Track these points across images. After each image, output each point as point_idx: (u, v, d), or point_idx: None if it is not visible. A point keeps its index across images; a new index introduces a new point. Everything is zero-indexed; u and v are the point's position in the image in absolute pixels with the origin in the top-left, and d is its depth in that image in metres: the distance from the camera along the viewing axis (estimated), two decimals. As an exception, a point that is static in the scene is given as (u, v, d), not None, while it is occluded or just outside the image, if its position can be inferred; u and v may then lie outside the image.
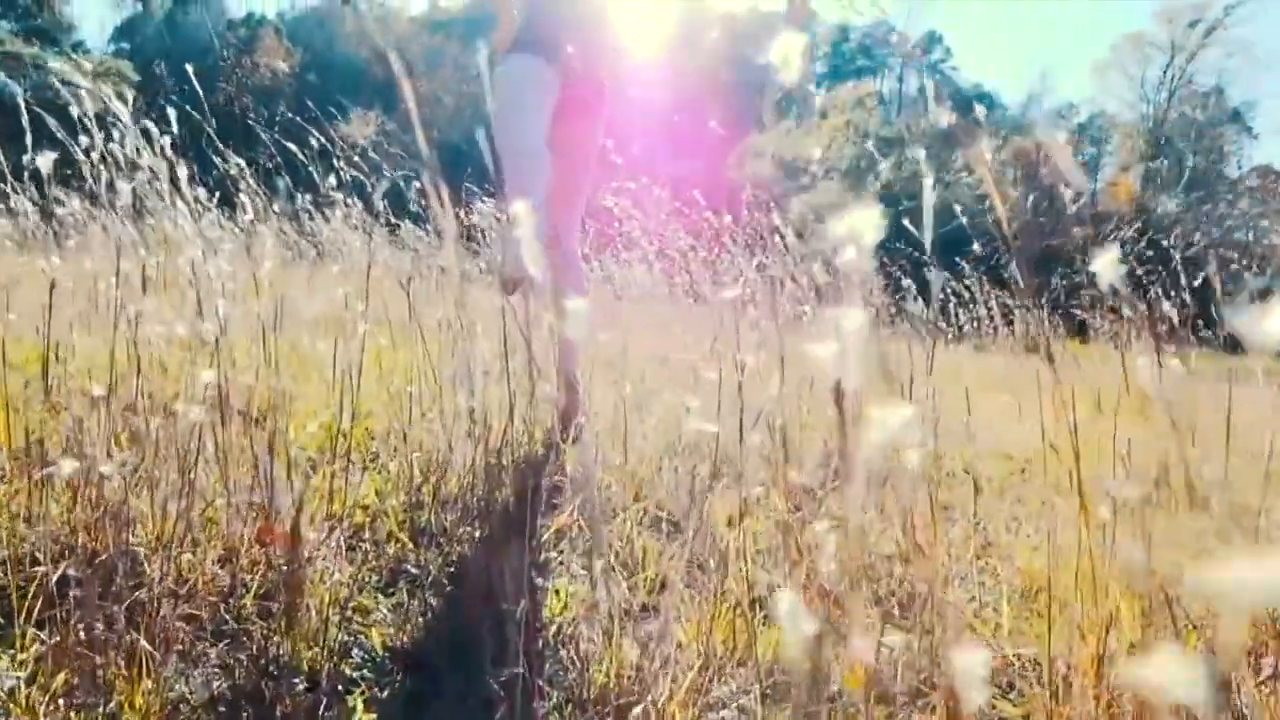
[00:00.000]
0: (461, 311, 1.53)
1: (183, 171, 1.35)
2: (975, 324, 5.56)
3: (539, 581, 1.27)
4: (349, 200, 3.13)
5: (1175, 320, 1.57)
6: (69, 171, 1.46)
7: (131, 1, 34.95)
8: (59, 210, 2.58)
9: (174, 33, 31.15)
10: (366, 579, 1.21)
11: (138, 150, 1.23)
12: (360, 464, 1.64)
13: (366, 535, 1.33)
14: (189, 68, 2.44)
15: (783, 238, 2.41)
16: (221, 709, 0.89)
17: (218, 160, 2.16)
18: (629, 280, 4.06)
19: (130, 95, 1.35)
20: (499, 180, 1.83)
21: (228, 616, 1.04)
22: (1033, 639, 1.21)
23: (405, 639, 1.08)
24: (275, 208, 2.28)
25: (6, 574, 0.94)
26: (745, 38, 30.17)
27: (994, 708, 1.04)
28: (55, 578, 0.91)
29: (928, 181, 0.55)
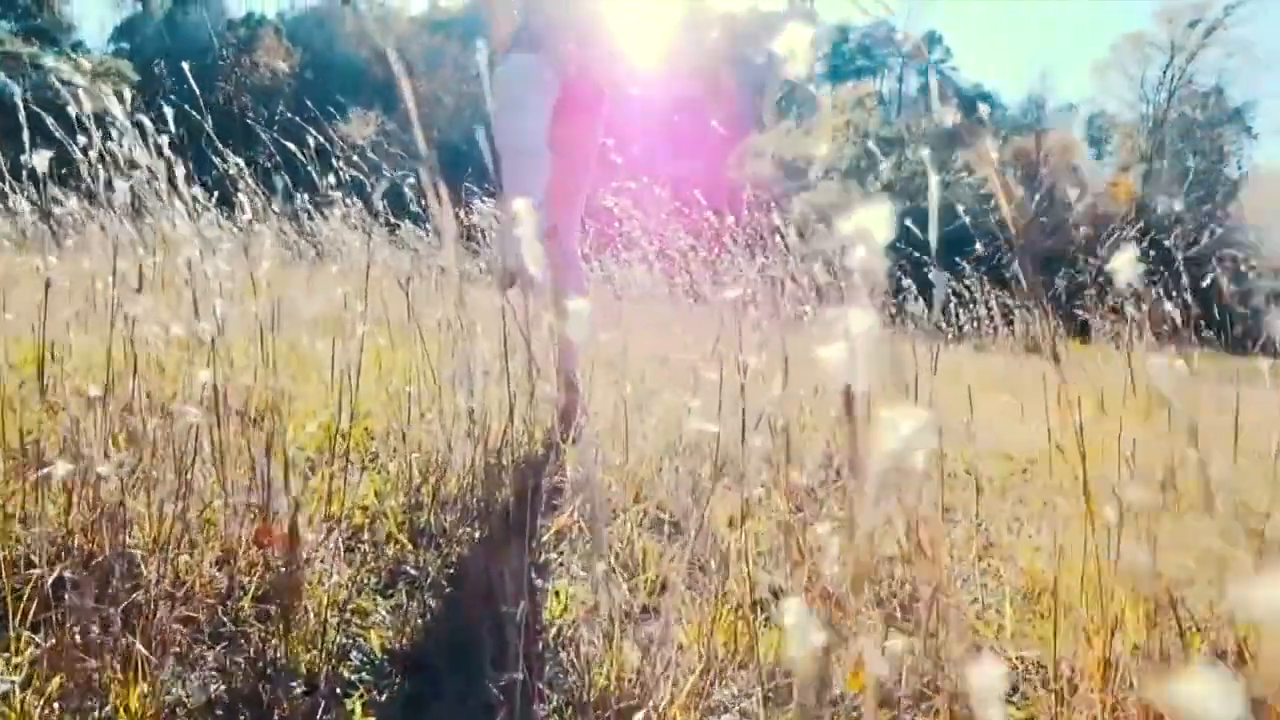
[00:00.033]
0: (461, 311, 1.52)
1: (179, 170, 1.34)
2: (975, 324, 5.56)
3: (539, 583, 1.26)
4: (348, 200, 3.13)
5: (1178, 320, 1.56)
6: (64, 170, 1.45)
7: (131, 1, 34.95)
8: (57, 210, 2.58)
9: (174, 33, 31.13)
10: (365, 580, 1.20)
11: (129, 149, 1.22)
12: (359, 464, 1.63)
13: (365, 536, 1.32)
14: (185, 66, 2.43)
15: (783, 238, 2.41)
16: (219, 712, 0.89)
17: (217, 160, 2.15)
18: (629, 280, 4.05)
19: (128, 95, 1.35)
20: (498, 180, 1.82)
21: (225, 619, 1.03)
22: (1035, 641, 1.20)
23: (404, 641, 1.07)
24: (274, 207, 2.28)
25: (1, 576, 0.93)
26: (745, 38, 30.17)
27: (997, 711, 1.03)
28: (51, 580, 0.91)
29: (934, 180, 0.54)
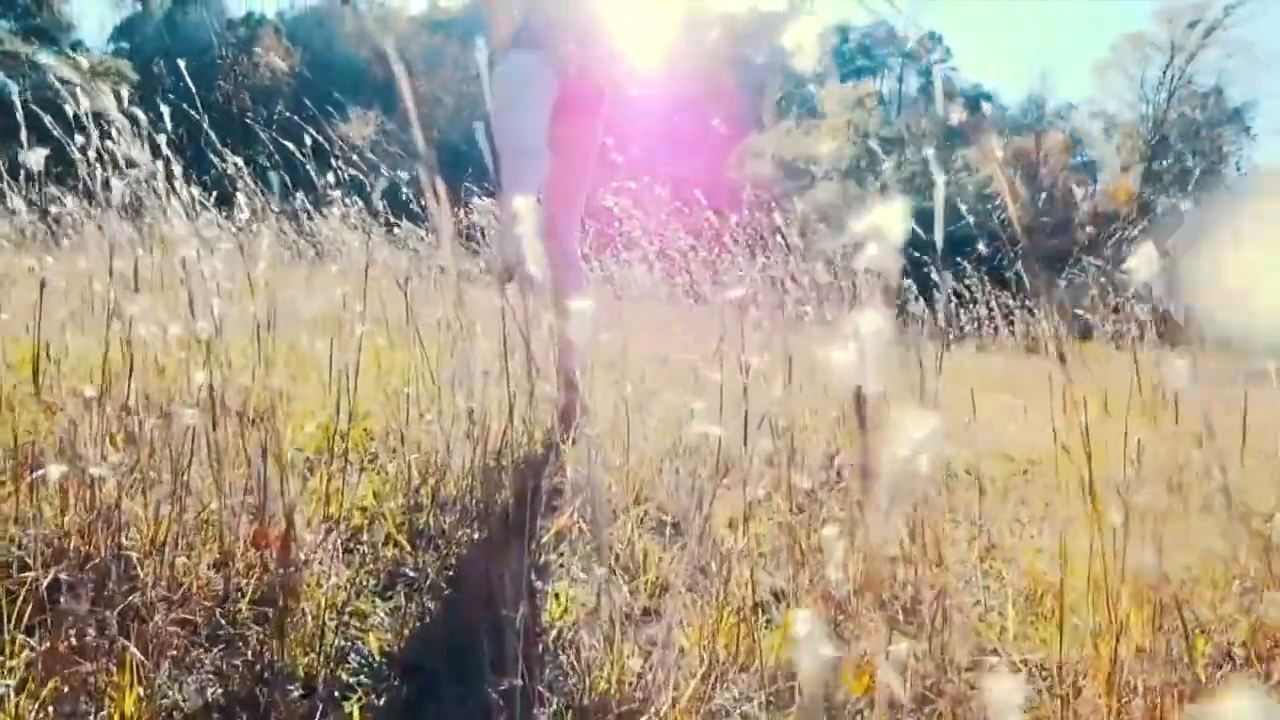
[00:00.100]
0: (460, 311, 1.51)
1: (176, 169, 1.33)
2: (976, 324, 5.56)
3: (539, 585, 1.25)
4: (347, 200, 3.12)
5: (1181, 320, 1.55)
6: (61, 170, 1.44)
7: (130, 1, 34.93)
8: (56, 209, 2.57)
9: (173, 32, 31.11)
10: (364, 582, 1.20)
11: (127, 148, 1.21)
12: (358, 465, 1.62)
13: (364, 538, 1.32)
14: (182, 63, 2.42)
15: (784, 238, 2.40)
16: (215, 716, 0.88)
17: (216, 159, 2.15)
18: (629, 280, 4.04)
19: (126, 94, 1.34)
20: (497, 179, 1.82)
21: (222, 621, 1.03)
22: (1038, 643, 1.19)
23: (403, 644, 1.06)
24: (273, 207, 2.27)
25: (-3, 578, 0.92)
26: (745, 38, 30.17)
27: (1001, 714, 1.02)
28: (46, 582, 0.90)
29: (939, 180, 0.53)
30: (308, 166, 2.54)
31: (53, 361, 1.30)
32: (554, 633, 1.12)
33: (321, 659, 0.97)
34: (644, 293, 3.92)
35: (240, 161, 2.16)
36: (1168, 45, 28.20)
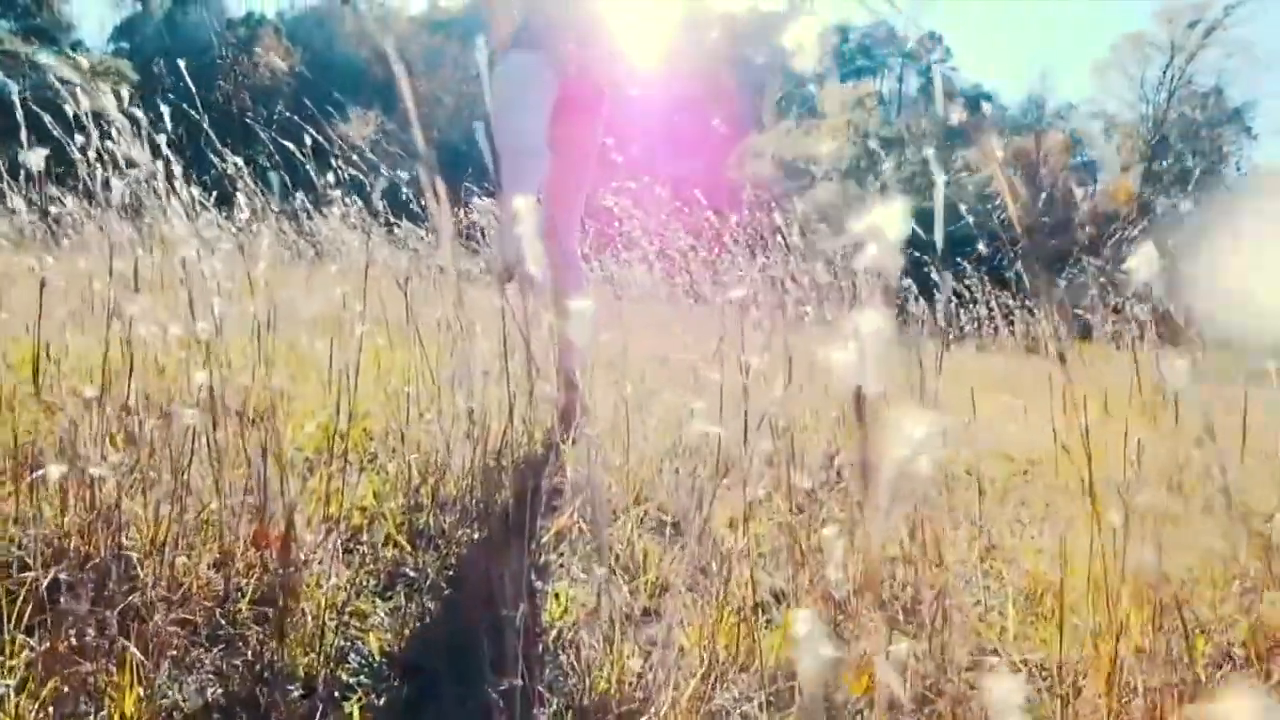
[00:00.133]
0: (460, 311, 1.51)
1: (176, 169, 1.33)
2: (976, 324, 5.56)
3: (539, 585, 1.25)
4: (347, 199, 3.12)
5: (1182, 320, 1.55)
6: (62, 170, 1.44)
7: (130, 1, 34.93)
8: (56, 209, 2.57)
9: (173, 32, 31.10)
10: (364, 582, 1.20)
11: (126, 148, 1.21)
12: (358, 465, 1.62)
13: (364, 538, 1.32)
14: (181, 63, 2.42)
15: (785, 238, 2.40)
16: (215, 716, 0.88)
17: (216, 159, 2.15)
18: (629, 280, 4.04)
19: (126, 94, 1.34)
20: (497, 179, 1.82)
21: (222, 621, 1.03)
22: (1038, 643, 1.19)
23: (403, 644, 1.06)
24: (273, 206, 2.27)
25: (-4, 578, 0.92)
26: (745, 38, 30.17)
27: (1001, 714, 1.02)
28: (46, 582, 0.90)
29: (939, 180, 0.53)
30: (307, 166, 2.54)
31: (53, 361, 1.30)
32: (554, 633, 1.12)
33: (321, 659, 0.97)
34: (644, 293, 3.92)
35: (240, 161, 2.16)
36: (1168, 45, 28.19)
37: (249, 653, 0.97)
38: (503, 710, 0.85)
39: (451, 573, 1.25)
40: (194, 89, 2.24)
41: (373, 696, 0.95)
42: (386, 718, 0.92)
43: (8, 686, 0.82)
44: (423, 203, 2.86)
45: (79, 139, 1.40)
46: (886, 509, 0.24)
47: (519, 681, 0.80)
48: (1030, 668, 1.11)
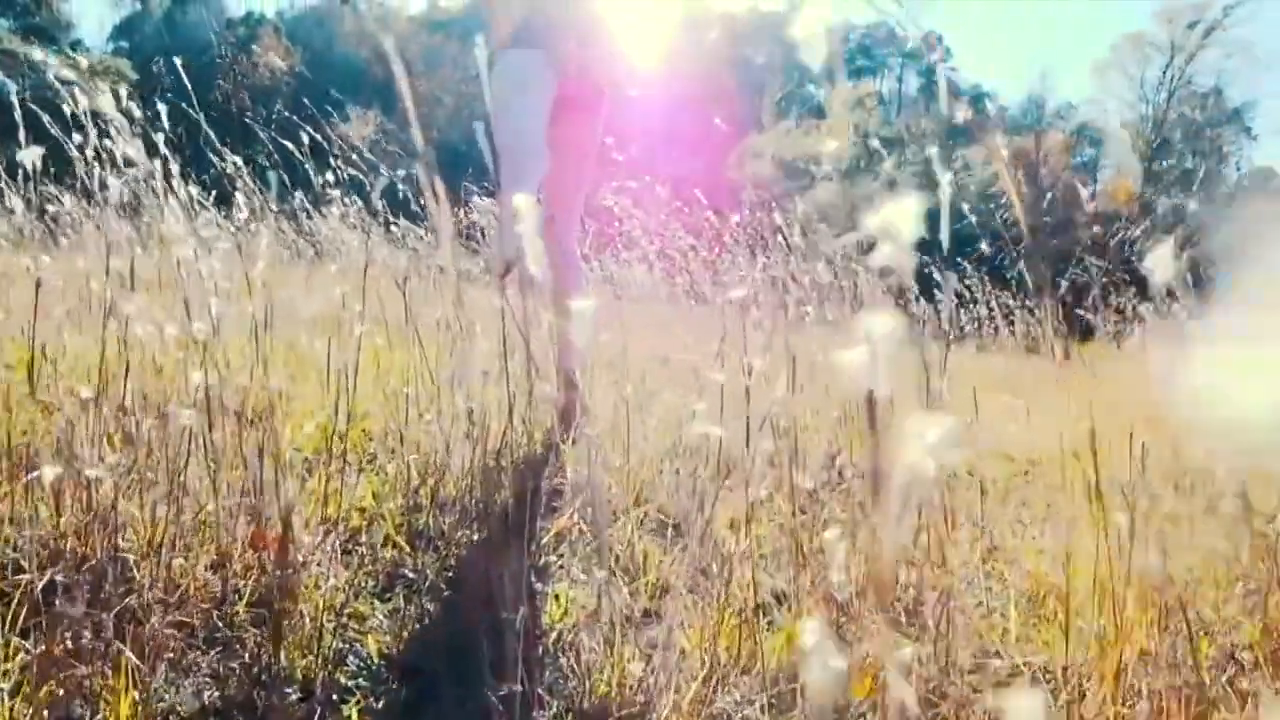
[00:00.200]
0: (460, 311, 1.50)
1: (174, 168, 1.32)
2: (976, 324, 5.56)
3: (538, 586, 1.24)
4: (346, 199, 3.11)
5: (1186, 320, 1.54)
6: (57, 168, 1.44)
7: (130, 0, 34.91)
8: (55, 208, 2.56)
9: (173, 31, 31.09)
10: (362, 584, 1.19)
11: (124, 147, 1.20)
12: (357, 466, 1.61)
13: (363, 539, 1.31)
14: (178, 60, 2.41)
15: (786, 238, 2.39)
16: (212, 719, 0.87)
17: (215, 159, 2.14)
18: (629, 280, 4.04)
19: (124, 93, 1.33)
20: (497, 178, 1.81)
21: (220, 623, 1.02)
22: (1041, 646, 1.19)
23: (402, 646, 1.05)
24: (272, 206, 2.26)
25: (-8, 580, 0.91)
26: (745, 38, 30.18)
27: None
28: (42, 584, 0.89)
29: (945, 179, 0.53)
30: (306, 166, 2.53)
31: (49, 361, 1.29)
32: (554, 635, 1.11)
33: (320, 661, 0.96)
34: (644, 293, 3.91)
35: (239, 161, 2.15)
36: (1168, 45, 28.18)
37: (246, 655, 0.96)
38: (502, 713, 0.84)
39: (451, 574, 1.24)
40: (193, 88, 2.23)
41: (371, 699, 0.94)
42: (385, 721, 0.92)
43: (2, 690, 0.81)
44: (422, 202, 2.86)
45: (76, 138, 1.40)
46: (899, 515, 0.24)
47: (519, 685, 0.79)
48: (1033, 670, 1.11)
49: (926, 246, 0.60)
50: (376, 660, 1.02)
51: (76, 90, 1.30)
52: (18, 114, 1.35)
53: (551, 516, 1.45)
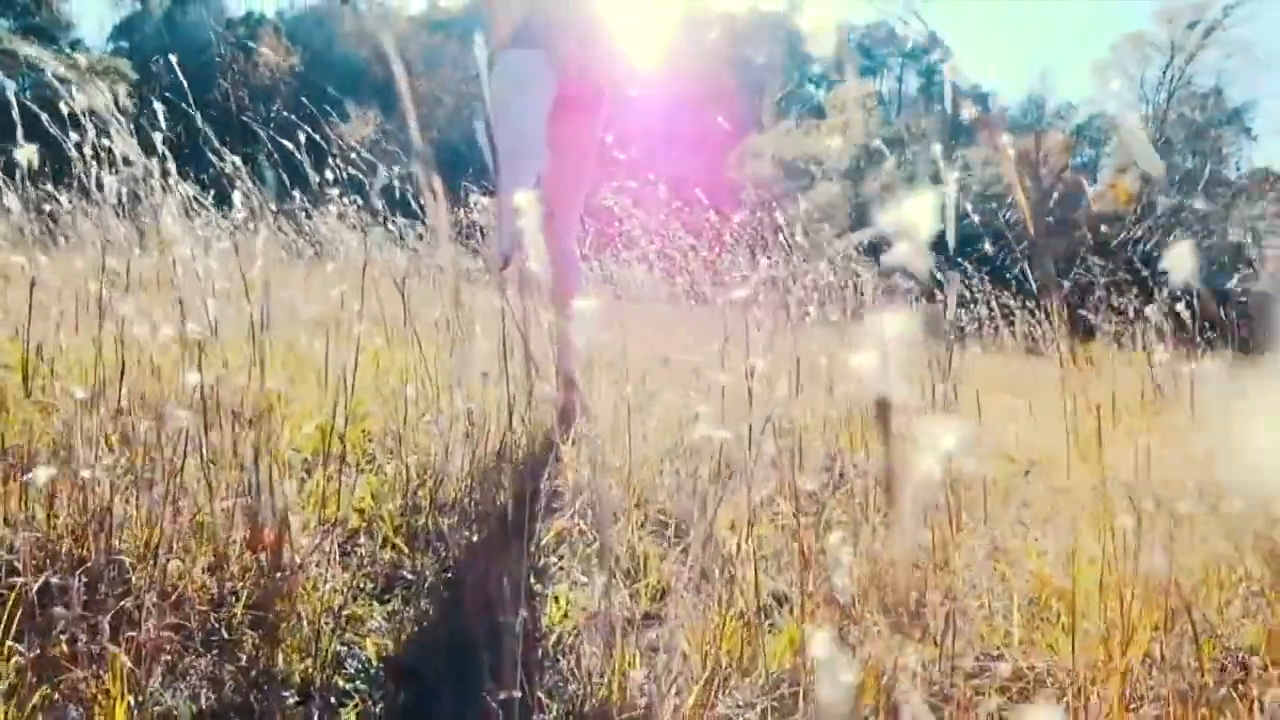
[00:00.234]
0: (459, 311, 1.49)
1: (171, 167, 1.32)
2: (977, 325, 5.55)
3: (538, 588, 1.23)
4: (346, 199, 3.10)
5: (1187, 321, 1.54)
6: (55, 167, 1.43)
7: (130, 0, 34.89)
8: (54, 208, 2.55)
9: (173, 31, 31.07)
10: (361, 586, 1.18)
11: (122, 145, 1.19)
12: (355, 466, 1.61)
13: (361, 540, 1.30)
14: (174, 59, 2.41)
15: (787, 238, 2.39)
16: (209, 723, 0.86)
17: (214, 158, 2.13)
18: (629, 280, 4.03)
19: (124, 92, 1.33)
20: (496, 178, 1.80)
21: (217, 626, 1.01)
22: (1044, 648, 1.18)
23: (400, 649, 1.05)
24: (271, 205, 2.25)
25: (-13, 583, 0.90)
26: (745, 38, 30.18)
27: (1006, 720, 1.01)
28: (37, 587, 0.88)
29: (951, 178, 0.52)
30: (305, 166, 2.52)
31: (45, 362, 1.28)
32: (554, 637, 1.10)
33: (317, 664, 0.95)
34: (644, 293, 3.90)
35: (239, 160, 2.14)
36: (1168, 45, 28.17)
37: (243, 658, 0.95)
38: (502, 717, 0.84)
39: (450, 576, 1.23)
40: (192, 88, 2.22)
41: (369, 703, 0.94)
42: (383, 724, 0.91)
43: (-4, 694, 0.80)
44: (421, 201, 2.85)
45: (74, 137, 1.39)
46: (912, 520, 0.23)
47: (518, 690, 0.78)
48: (1037, 673, 1.10)
49: (931, 246, 0.59)
50: (375, 663, 1.01)
51: (74, 89, 1.30)
52: (15, 113, 1.34)
53: (551, 518, 1.44)
